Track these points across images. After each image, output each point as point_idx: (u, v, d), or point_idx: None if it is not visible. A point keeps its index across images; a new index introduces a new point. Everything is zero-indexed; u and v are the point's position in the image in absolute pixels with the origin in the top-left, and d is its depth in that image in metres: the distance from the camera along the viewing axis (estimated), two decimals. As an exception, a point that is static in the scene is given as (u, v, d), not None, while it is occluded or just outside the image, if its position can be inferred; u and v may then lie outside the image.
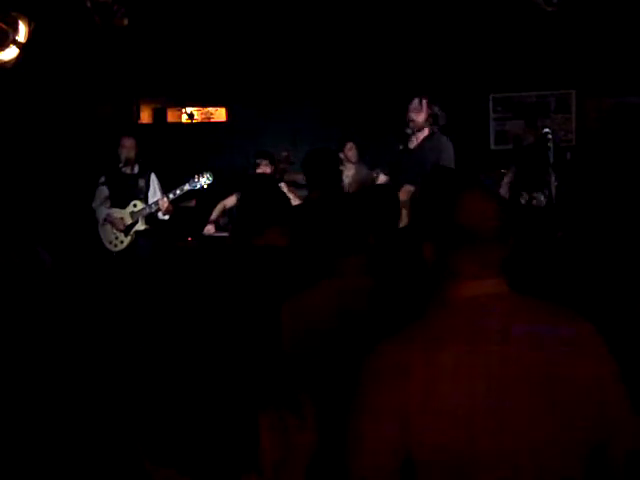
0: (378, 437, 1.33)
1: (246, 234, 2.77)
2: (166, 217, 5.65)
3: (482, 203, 1.40)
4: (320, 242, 2.32)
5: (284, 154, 6.11)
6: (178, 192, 5.43)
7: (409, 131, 4.75)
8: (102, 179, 5.76)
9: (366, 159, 6.67)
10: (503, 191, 5.10)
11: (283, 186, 5.13)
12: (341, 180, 3.97)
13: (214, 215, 5.78)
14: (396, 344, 1.39)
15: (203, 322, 1.55)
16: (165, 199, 5.46)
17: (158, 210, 5.55)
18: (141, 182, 5.73)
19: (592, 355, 1.36)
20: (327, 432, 1.50)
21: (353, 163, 6.56)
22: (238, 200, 3.19)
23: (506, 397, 1.31)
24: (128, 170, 5.75)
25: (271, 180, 3.59)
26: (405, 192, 4.64)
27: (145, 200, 5.64)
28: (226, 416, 1.45)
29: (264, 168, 5.74)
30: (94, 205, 5.81)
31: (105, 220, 5.69)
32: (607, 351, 1.39)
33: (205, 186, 5.33)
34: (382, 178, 5.16)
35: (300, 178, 5.85)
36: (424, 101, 4.66)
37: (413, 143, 4.81)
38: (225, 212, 5.77)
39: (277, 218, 2.81)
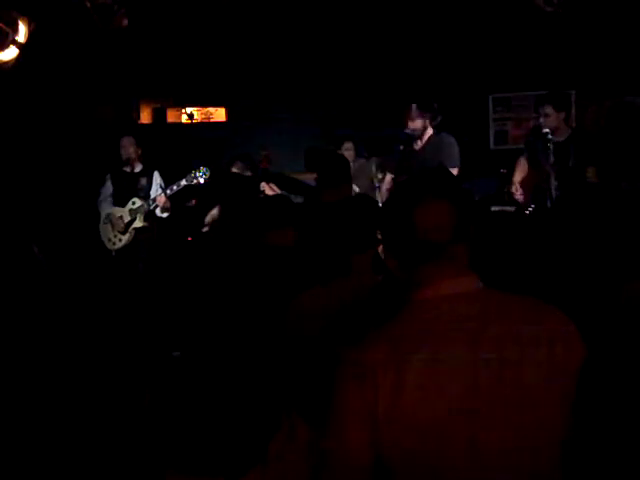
0: (349, 439, 1.31)
1: (257, 234, 2.80)
2: (165, 215, 5.66)
3: (436, 211, 1.37)
4: (337, 241, 2.32)
5: (263, 153, 6.08)
6: (175, 187, 5.46)
7: (408, 132, 4.78)
8: (108, 176, 5.80)
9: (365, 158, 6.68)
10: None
11: (264, 185, 5.16)
12: (351, 181, 3.99)
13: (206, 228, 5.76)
14: (363, 347, 1.36)
15: (208, 320, 1.55)
16: (162, 195, 5.49)
17: (156, 206, 5.57)
18: (143, 181, 5.75)
19: (564, 349, 1.34)
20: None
21: (350, 162, 6.55)
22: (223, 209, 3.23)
23: (476, 397, 1.30)
24: (129, 169, 5.78)
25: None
26: None
27: (146, 198, 5.66)
28: (231, 413, 1.46)
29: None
30: (99, 201, 5.84)
31: (106, 219, 5.71)
32: (580, 345, 1.37)
33: (202, 181, 5.34)
34: (388, 178, 5.18)
35: (298, 178, 5.85)
36: (421, 107, 4.70)
37: (418, 145, 4.82)
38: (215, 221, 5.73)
39: (289, 219, 2.85)
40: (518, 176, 5.12)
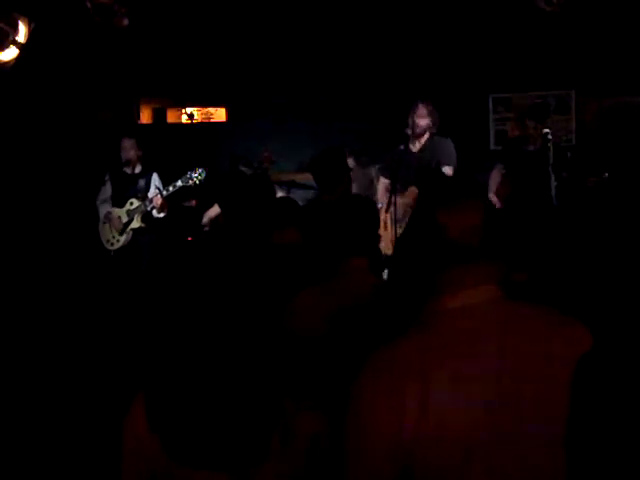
0: (374, 456, 1.30)
1: (265, 232, 2.80)
2: (161, 215, 5.65)
3: (470, 216, 1.36)
4: (332, 242, 2.32)
5: (265, 154, 6.05)
6: (171, 189, 5.44)
7: (409, 131, 4.78)
8: (107, 177, 5.79)
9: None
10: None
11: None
12: (351, 180, 3.97)
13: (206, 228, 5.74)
14: (385, 362, 1.33)
15: (210, 320, 1.55)
16: (158, 195, 5.47)
17: (153, 207, 5.56)
18: (141, 182, 5.75)
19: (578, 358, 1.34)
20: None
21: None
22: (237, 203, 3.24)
23: (500, 411, 1.29)
24: (129, 170, 5.77)
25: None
26: (411, 193, 4.68)
27: (144, 199, 5.65)
28: (231, 410, 1.46)
29: None
30: (98, 202, 5.84)
31: (105, 219, 5.72)
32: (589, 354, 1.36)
33: (198, 182, 5.32)
34: (383, 180, 5.17)
35: (298, 177, 5.86)
36: (430, 107, 4.72)
37: (415, 146, 4.83)
38: (213, 222, 5.70)
39: (294, 218, 2.85)
40: (493, 186, 5.31)
